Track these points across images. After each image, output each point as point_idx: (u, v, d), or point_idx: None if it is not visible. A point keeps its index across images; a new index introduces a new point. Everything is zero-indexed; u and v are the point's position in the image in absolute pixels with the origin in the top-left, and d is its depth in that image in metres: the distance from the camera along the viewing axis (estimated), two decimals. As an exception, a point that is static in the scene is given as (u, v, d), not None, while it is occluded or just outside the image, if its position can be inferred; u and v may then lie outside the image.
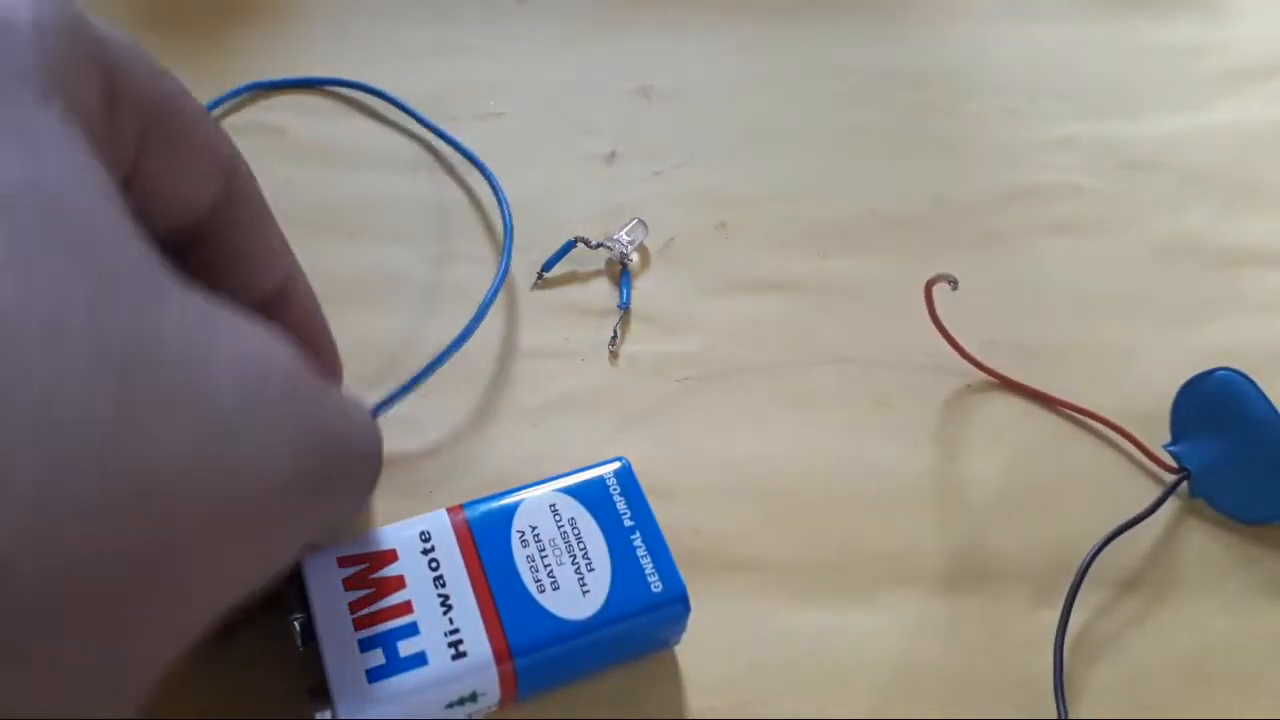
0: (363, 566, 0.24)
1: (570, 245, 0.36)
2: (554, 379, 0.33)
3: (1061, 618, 0.28)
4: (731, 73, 0.43)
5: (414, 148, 0.39)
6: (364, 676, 0.23)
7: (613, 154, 0.39)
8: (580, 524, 0.26)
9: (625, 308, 0.35)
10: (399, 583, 0.24)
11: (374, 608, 0.24)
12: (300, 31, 0.43)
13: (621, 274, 0.35)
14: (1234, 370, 0.31)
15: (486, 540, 0.25)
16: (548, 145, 0.40)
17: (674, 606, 0.25)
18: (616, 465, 0.27)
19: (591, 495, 0.26)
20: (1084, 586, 0.29)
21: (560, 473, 0.27)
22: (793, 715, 0.26)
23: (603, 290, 0.35)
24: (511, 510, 0.26)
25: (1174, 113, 0.42)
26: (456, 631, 0.24)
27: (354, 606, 0.24)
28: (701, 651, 0.27)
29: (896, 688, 0.27)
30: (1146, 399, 0.33)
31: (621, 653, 0.26)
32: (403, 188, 0.38)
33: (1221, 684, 0.28)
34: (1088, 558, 0.29)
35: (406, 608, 0.24)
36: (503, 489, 0.26)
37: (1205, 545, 0.30)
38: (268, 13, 0.43)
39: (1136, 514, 0.30)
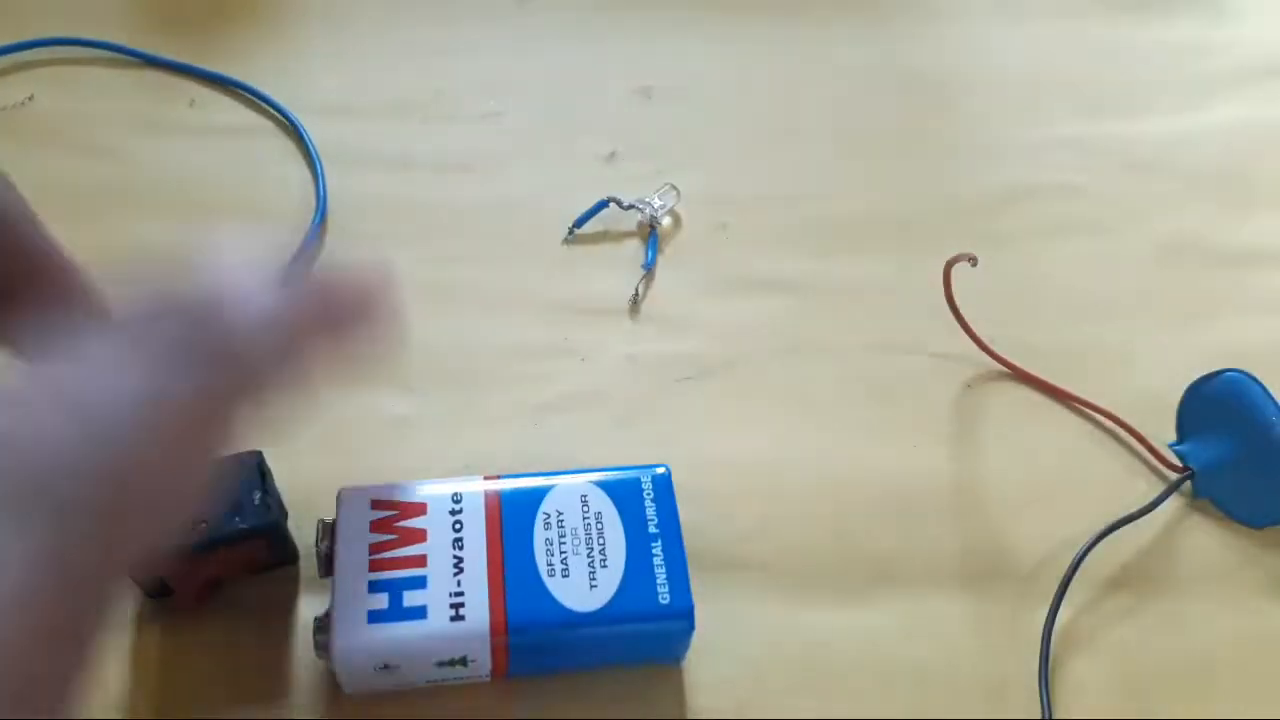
0: (392, 513, 0.25)
1: (603, 204, 0.37)
2: (554, 379, 0.33)
3: (1049, 614, 0.28)
4: (731, 73, 0.43)
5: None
6: (365, 616, 0.23)
7: (613, 154, 0.39)
8: (605, 519, 0.26)
9: (649, 268, 0.35)
10: (420, 535, 0.25)
11: (392, 554, 0.24)
12: (300, 32, 0.43)
13: (650, 235, 0.36)
14: (1241, 371, 0.31)
15: (512, 515, 0.25)
16: (548, 145, 0.40)
17: (677, 621, 0.25)
18: (659, 470, 0.27)
19: (623, 493, 0.26)
20: (1087, 584, 0.29)
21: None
22: (793, 715, 0.26)
23: (603, 289, 0.35)
24: (543, 492, 0.26)
25: (1175, 112, 0.42)
26: (460, 595, 0.24)
27: (374, 548, 0.24)
28: (702, 651, 0.27)
29: (896, 687, 0.27)
30: (1147, 398, 0.33)
31: (618, 655, 0.26)
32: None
33: (1221, 683, 0.27)
34: (1079, 554, 0.28)
35: (421, 561, 0.24)
36: (502, 488, 0.26)
37: (1207, 544, 0.30)
38: (268, 14, 0.43)
39: (1133, 511, 0.29)
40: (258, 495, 0.26)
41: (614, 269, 0.36)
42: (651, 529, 0.26)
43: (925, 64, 0.44)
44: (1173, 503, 0.31)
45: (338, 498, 0.25)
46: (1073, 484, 0.31)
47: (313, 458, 0.30)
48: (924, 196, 0.39)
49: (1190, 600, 0.29)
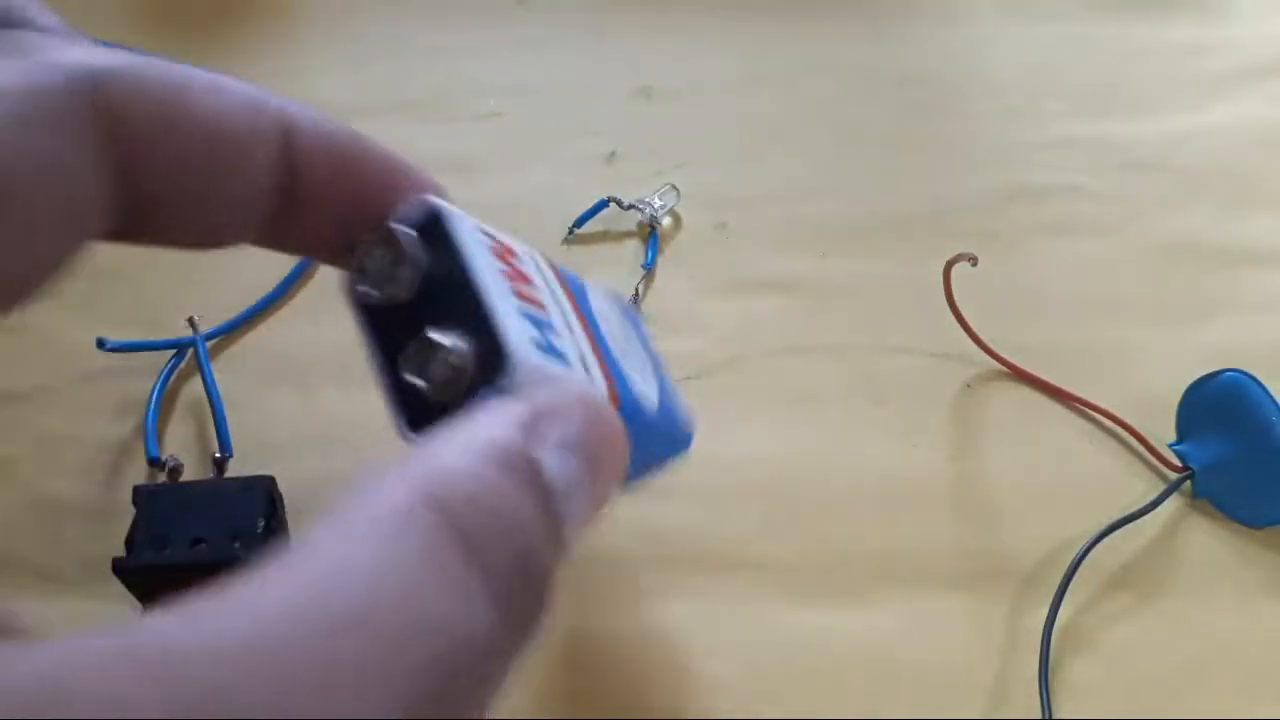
0: (499, 246, 0.19)
1: (603, 204, 0.37)
2: (554, 379, 0.33)
3: (1049, 614, 0.28)
4: (731, 73, 0.43)
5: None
6: (528, 337, 0.16)
7: (613, 154, 0.39)
8: (629, 329, 0.22)
9: (649, 268, 0.35)
10: (528, 277, 0.19)
11: (518, 285, 0.18)
12: (300, 32, 0.43)
13: (650, 236, 0.36)
14: (1241, 371, 0.31)
15: (577, 295, 0.21)
16: (548, 145, 0.40)
17: (686, 444, 0.23)
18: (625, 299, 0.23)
19: (628, 311, 0.23)
20: (1087, 584, 0.29)
21: None
22: (792, 715, 0.26)
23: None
24: (584, 285, 0.21)
25: (1174, 113, 0.42)
26: (581, 352, 0.19)
27: (503, 273, 0.18)
28: (701, 651, 0.27)
29: (895, 687, 0.27)
30: (1146, 399, 0.33)
31: (643, 466, 0.22)
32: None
33: (1220, 683, 0.27)
34: (1079, 554, 0.28)
35: (541, 303, 0.18)
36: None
37: (1206, 544, 0.30)
38: (268, 14, 0.43)
39: (1132, 511, 0.30)
40: (262, 523, 0.26)
41: (614, 269, 0.36)
42: (652, 348, 0.23)
43: (925, 64, 0.44)
44: (1173, 503, 0.31)
45: (438, 211, 0.18)
46: (1073, 484, 0.31)
47: (314, 460, 0.30)
48: (924, 196, 0.39)
49: (1190, 600, 0.29)
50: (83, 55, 0.15)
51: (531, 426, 0.15)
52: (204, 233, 0.17)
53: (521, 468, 0.15)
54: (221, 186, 0.17)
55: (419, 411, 0.16)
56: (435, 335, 0.16)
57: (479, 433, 0.15)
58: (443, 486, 0.13)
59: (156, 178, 0.16)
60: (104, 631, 0.11)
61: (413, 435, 0.16)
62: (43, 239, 0.15)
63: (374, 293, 0.17)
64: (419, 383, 0.16)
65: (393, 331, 0.17)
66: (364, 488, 0.14)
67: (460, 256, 0.17)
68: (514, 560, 0.14)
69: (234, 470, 0.29)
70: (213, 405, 0.30)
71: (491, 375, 0.16)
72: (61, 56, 0.15)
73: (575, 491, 0.15)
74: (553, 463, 0.15)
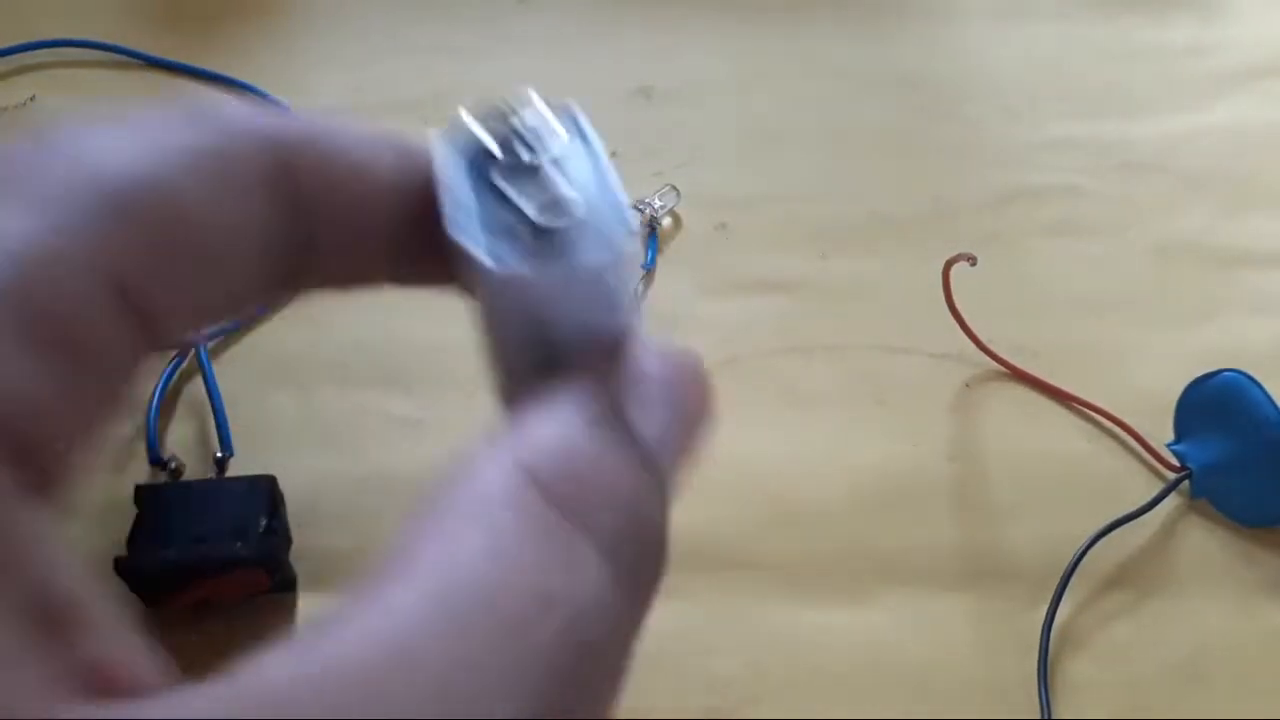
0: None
1: None
2: (554, 379, 0.33)
3: (1048, 613, 0.28)
4: (731, 73, 0.43)
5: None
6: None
7: (613, 154, 0.39)
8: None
9: (649, 268, 0.36)
10: None
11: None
12: (300, 31, 0.43)
13: (650, 236, 0.36)
14: (1240, 372, 0.31)
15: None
16: (548, 145, 0.40)
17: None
18: None
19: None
20: (1086, 584, 0.29)
21: None
22: (792, 715, 0.27)
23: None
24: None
25: (1173, 113, 0.42)
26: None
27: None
28: (701, 651, 0.27)
29: (895, 687, 0.27)
30: (1145, 398, 0.33)
31: None
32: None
33: (1217, 683, 0.28)
34: (1078, 554, 0.29)
35: None
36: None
37: (1205, 544, 0.30)
38: (268, 14, 0.43)
39: (1131, 511, 0.30)
40: (263, 522, 0.26)
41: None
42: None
43: (924, 64, 0.44)
44: (1170, 502, 0.31)
45: (570, 108, 0.19)
46: (1071, 483, 0.31)
47: (314, 460, 0.30)
48: (923, 197, 0.39)
49: (1188, 599, 0.29)
50: (263, 118, 0.16)
51: (619, 388, 0.16)
52: (355, 270, 0.18)
53: (615, 430, 0.15)
54: (371, 221, 0.18)
55: (511, 243, 0.16)
56: (565, 190, 0.17)
57: (567, 399, 0.15)
58: (539, 462, 0.14)
59: (319, 222, 0.17)
60: (220, 680, 0.11)
61: (497, 265, 0.16)
62: (234, 279, 0.16)
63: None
64: (536, 217, 0.16)
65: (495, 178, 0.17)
66: (458, 475, 0.14)
67: (590, 141, 0.18)
68: (626, 524, 0.14)
69: (235, 469, 0.29)
70: (214, 405, 0.30)
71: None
72: (247, 122, 0.16)
73: (670, 444, 0.16)
74: (644, 419, 0.15)
